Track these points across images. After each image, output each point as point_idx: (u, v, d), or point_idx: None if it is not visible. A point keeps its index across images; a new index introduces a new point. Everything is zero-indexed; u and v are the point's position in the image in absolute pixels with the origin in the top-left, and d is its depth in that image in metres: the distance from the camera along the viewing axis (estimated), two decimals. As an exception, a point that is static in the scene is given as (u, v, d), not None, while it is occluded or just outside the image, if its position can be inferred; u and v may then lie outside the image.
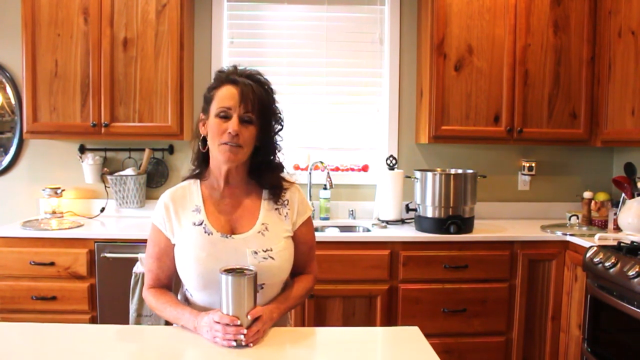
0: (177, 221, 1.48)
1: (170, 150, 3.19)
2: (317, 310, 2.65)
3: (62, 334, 1.41)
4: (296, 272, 1.59)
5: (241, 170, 1.50)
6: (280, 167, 1.55)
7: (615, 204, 2.90)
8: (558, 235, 2.75)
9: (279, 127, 1.52)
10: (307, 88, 3.27)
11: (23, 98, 2.82)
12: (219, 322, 1.29)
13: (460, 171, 2.90)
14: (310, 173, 3.16)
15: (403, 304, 2.66)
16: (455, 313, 2.68)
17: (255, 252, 1.43)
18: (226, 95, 1.41)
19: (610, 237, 2.57)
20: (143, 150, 3.11)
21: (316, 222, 3.06)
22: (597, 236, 2.58)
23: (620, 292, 2.11)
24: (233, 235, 1.46)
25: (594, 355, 2.32)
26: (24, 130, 2.84)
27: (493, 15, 2.90)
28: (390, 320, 2.67)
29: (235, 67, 1.48)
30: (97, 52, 2.79)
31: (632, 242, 2.34)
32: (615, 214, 2.82)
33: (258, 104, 1.41)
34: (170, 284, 1.54)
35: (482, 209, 3.15)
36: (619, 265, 2.14)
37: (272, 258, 1.44)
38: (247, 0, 3.22)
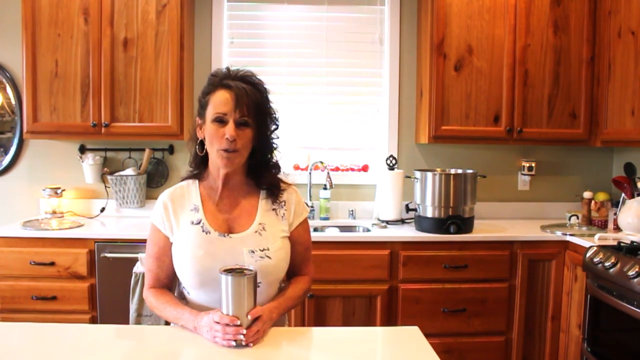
0: (176, 220, 1.49)
1: (171, 150, 3.19)
2: (317, 310, 2.65)
3: (62, 334, 1.41)
4: (292, 272, 1.60)
5: (239, 172, 1.52)
6: (277, 167, 1.57)
7: (615, 204, 2.90)
8: (558, 235, 2.75)
9: (274, 126, 1.53)
10: (307, 88, 3.27)
11: (23, 98, 2.82)
12: (218, 322, 1.29)
13: (460, 171, 2.90)
14: (310, 173, 3.16)
15: (403, 304, 2.66)
16: (455, 313, 2.68)
17: (252, 251, 1.44)
18: (221, 101, 1.42)
19: (610, 237, 2.57)
20: (143, 150, 3.11)
21: (316, 222, 3.06)
22: (597, 236, 2.58)
23: (620, 292, 2.11)
24: (230, 235, 1.47)
25: (594, 355, 2.32)
26: (24, 130, 2.84)
27: (493, 15, 2.90)
28: (390, 320, 2.67)
29: (228, 69, 1.48)
30: (97, 52, 2.79)
31: (632, 242, 2.34)
32: (615, 214, 2.82)
33: (253, 107, 1.42)
34: (170, 283, 1.55)
35: (482, 209, 3.15)
36: (618, 265, 2.14)
37: (269, 257, 1.45)
38: (247, 0, 3.22)
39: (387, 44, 3.25)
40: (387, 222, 3.01)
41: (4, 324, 1.54)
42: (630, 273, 2.03)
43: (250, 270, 1.32)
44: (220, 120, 1.42)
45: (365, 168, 3.31)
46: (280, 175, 1.58)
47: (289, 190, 1.58)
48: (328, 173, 3.08)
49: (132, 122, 2.84)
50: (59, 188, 2.98)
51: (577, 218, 2.96)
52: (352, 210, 3.20)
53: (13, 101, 3.12)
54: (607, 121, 2.84)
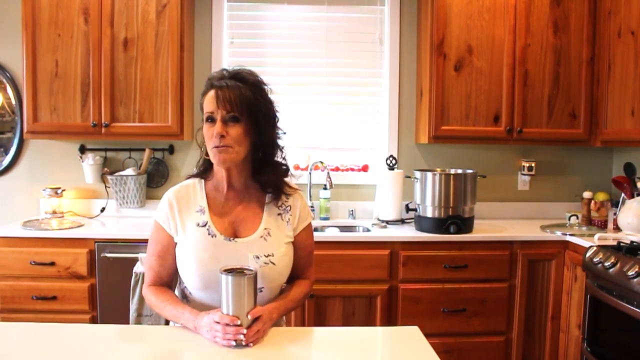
0: (181, 220, 1.48)
1: (171, 150, 3.19)
2: (317, 310, 2.65)
3: (62, 334, 1.41)
4: (294, 276, 1.59)
5: (243, 172, 1.50)
6: (284, 169, 1.55)
7: (615, 204, 2.91)
8: (558, 235, 2.75)
9: (273, 120, 1.50)
10: (307, 88, 3.28)
11: (23, 98, 2.82)
12: (219, 322, 1.29)
13: (460, 171, 2.90)
14: (310, 173, 3.16)
15: (403, 304, 2.67)
16: (455, 313, 2.68)
17: (257, 257, 1.44)
18: (209, 100, 1.43)
19: (609, 237, 2.57)
20: (143, 150, 3.11)
21: (316, 222, 3.06)
22: (596, 236, 2.59)
23: (620, 292, 2.11)
24: (236, 239, 1.46)
25: (594, 355, 2.32)
26: (25, 130, 2.84)
27: (493, 15, 2.90)
28: (390, 320, 2.67)
29: (222, 70, 1.48)
30: (97, 52, 2.79)
31: (632, 242, 2.34)
32: (615, 213, 2.82)
33: (241, 102, 1.40)
34: (170, 282, 1.54)
35: (482, 209, 3.15)
36: (618, 265, 2.14)
37: (273, 263, 1.45)
38: (247, 0, 3.22)
39: (387, 44, 3.25)
40: (387, 222, 3.01)
41: (4, 324, 1.55)
42: (630, 273, 2.04)
43: (251, 270, 1.32)
44: (211, 120, 1.43)
45: (365, 168, 3.31)
46: (287, 179, 1.56)
47: (294, 195, 1.57)
48: (328, 173, 3.08)
49: (132, 122, 2.84)
50: (59, 188, 2.98)
51: (577, 218, 2.97)
52: (352, 210, 3.21)
53: (13, 101, 3.12)
54: (607, 121, 2.84)
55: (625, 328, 2.11)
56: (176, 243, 1.49)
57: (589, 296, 2.37)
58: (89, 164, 3.06)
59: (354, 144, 3.32)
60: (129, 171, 3.07)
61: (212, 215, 1.48)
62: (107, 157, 3.16)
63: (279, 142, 1.54)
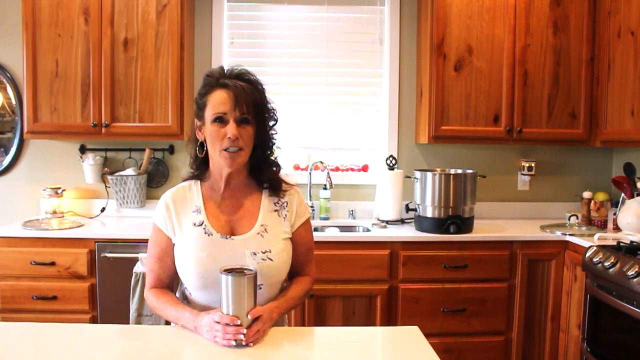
0: (178, 221, 1.49)
1: (171, 150, 3.20)
2: (317, 310, 2.65)
3: (62, 334, 1.41)
4: (294, 273, 1.60)
5: (241, 171, 1.52)
6: (277, 165, 1.56)
7: (615, 203, 2.91)
8: (557, 235, 2.75)
9: (273, 121, 1.53)
10: (307, 88, 3.28)
11: (24, 98, 2.82)
12: (219, 322, 1.29)
13: (460, 171, 2.90)
14: (310, 173, 3.17)
15: (403, 304, 2.67)
16: (455, 313, 2.68)
17: (254, 253, 1.44)
18: (219, 101, 1.41)
19: (609, 237, 2.57)
20: (143, 150, 3.12)
21: (316, 222, 3.06)
22: (596, 236, 2.59)
23: (620, 292, 2.12)
24: (233, 237, 1.47)
25: (594, 355, 2.32)
26: (25, 130, 2.84)
27: (493, 15, 2.90)
28: (390, 320, 2.67)
29: (222, 68, 1.48)
30: (97, 53, 2.79)
31: (632, 242, 2.34)
32: (615, 213, 2.82)
33: (252, 104, 1.41)
34: (171, 283, 1.55)
35: (482, 209, 3.15)
36: (618, 265, 2.14)
37: (271, 259, 1.45)
38: (247, 0, 3.22)
39: (387, 44, 3.25)
40: (387, 222, 3.01)
41: (4, 324, 1.55)
42: (630, 273, 2.04)
43: (251, 270, 1.32)
44: (221, 120, 1.41)
45: (365, 168, 3.31)
46: (282, 176, 1.58)
47: (291, 191, 1.58)
48: (328, 173, 3.09)
49: (133, 122, 2.84)
50: (59, 188, 2.98)
51: (577, 218, 2.97)
52: (352, 210, 3.21)
53: (13, 101, 3.12)
54: (607, 121, 2.84)
55: (625, 328, 2.11)
56: (174, 244, 1.49)
57: (588, 296, 2.37)
58: (89, 164, 3.06)
59: (354, 144, 3.32)
60: (129, 171, 3.07)
61: (208, 214, 1.49)
62: (107, 157, 3.17)
63: (275, 140, 1.55)
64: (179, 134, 2.87)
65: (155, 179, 3.20)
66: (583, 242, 2.55)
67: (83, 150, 3.14)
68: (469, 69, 2.92)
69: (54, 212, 2.94)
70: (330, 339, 1.44)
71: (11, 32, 3.01)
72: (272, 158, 1.56)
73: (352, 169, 3.30)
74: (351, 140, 3.32)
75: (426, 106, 2.98)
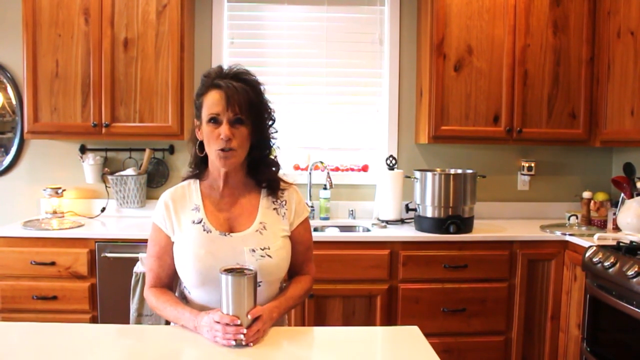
0: (177, 220, 1.49)
1: (171, 150, 3.20)
2: (317, 310, 2.66)
3: (62, 334, 1.41)
4: (294, 272, 1.60)
5: (239, 171, 1.52)
6: (276, 165, 1.57)
7: (615, 203, 2.91)
8: (557, 235, 2.75)
9: (271, 121, 1.53)
10: (307, 88, 3.28)
11: (24, 98, 2.83)
12: (219, 322, 1.29)
13: (459, 171, 2.91)
14: (310, 173, 3.17)
15: (403, 304, 2.67)
16: (455, 313, 2.69)
17: (253, 250, 1.45)
18: (213, 101, 1.42)
19: (609, 237, 2.57)
20: (143, 150, 3.12)
21: (316, 222, 3.07)
22: (596, 236, 2.59)
23: (620, 292, 2.12)
24: (231, 234, 1.47)
25: (593, 354, 2.32)
26: (25, 130, 2.84)
27: (492, 15, 2.90)
28: (390, 319, 2.67)
29: (220, 67, 1.48)
30: (97, 53, 2.80)
31: (631, 241, 2.35)
32: (615, 213, 2.82)
33: (246, 104, 1.41)
34: (171, 283, 1.55)
35: (482, 209, 3.16)
36: (618, 265, 2.14)
37: (270, 256, 1.46)
38: (247, 0, 3.22)
39: (387, 44, 3.25)
40: (387, 222, 3.01)
41: (4, 324, 1.55)
42: (630, 273, 2.04)
43: (250, 270, 1.33)
44: (215, 121, 1.42)
45: (365, 168, 3.31)
46: (280, 175, 1.58)
47: (289, 189, 1.58)
48: (328, 173, 3.09)
49: (133, 122, 2.85)
50: (59, 188, 2.99)
51: (577, 218, 2.97)
52: (352, 210, 3.21)
53: (14, 101, 3.13)
54: (607, 121, 2.84)
55: (624, 328, 2.11)
56: (173, 243, 1.50)
57: (588, 296, 2.37)
58: (90, 164, 3.07)
59: (354, 144, 3.33)
60: (129, 171, 3.07)
61: (207, 212, 1.50)
62: (108, 157, 3.17)
63: (273, 141, 1.55)
64: (179, 134, 2.88)
65: (156, 179, 3.21)
66: (583, 242, 2.55)
67: (83, 150, 3.14)
68: (468, 69, 2.92)
69: (54, 212, 2.95)
70: (330, 339, 1.44)
71: (11, 32, 3.02)
72: (272, 157, 1.56)
73: (352, 169, 3.30)
74: (351, 140, 3.32)
75: (426, 106, 2.98)
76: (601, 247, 2.33)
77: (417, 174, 2.87)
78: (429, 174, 2.82)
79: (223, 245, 1.45)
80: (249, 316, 1.30)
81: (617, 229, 2.76)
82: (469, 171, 2.86)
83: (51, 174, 3.16)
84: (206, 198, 1.52)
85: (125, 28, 2.81)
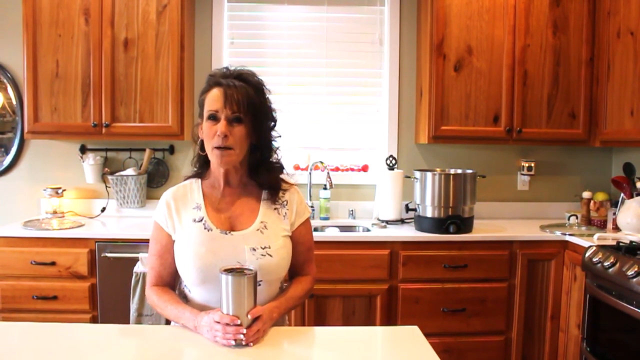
0: (178, 218, 1.50)
1: (171, 150, 3.20)
2: (317, 310, 2.66)
3: (62, 334, 1.42)
4: (295, 272, 1.61)
5: (240, 171, 1.53)
6: (278, 168, 1.57)
7: (614, 203, 2.91)
8: (557, 235, 2.75)
9: (272, 123, 1.53)
10: (307, 88, 3.28)
11: (24, 98, 2.83)
12: (219, 322, 1.30)
13: (459, 171, 2.91)
14: (310, 173, 3.17)
15: (403, 304, 2.67)
16: (455, 312, 2.69)
17: (254, 249, 1.45)
18: (213, 98, 1.43)
19: (609, 237, 2.57)
20: (144, 150, 3.12)
21: (316, 222, 3.07)
22: (596, 236, 2.59)
23: (619, 292, 2.12)
24: (232, 232, 1.48)
25: (593, 354, 2.32)
26: (25, 130, 2.84)
27: (492, 15, 2.90)
28: (390, 319, 2.67)
29: (226, 68, 1.50)
30: (97, 53, 2.80)
31: (631, 241, 2.35)
32: (614, 213, 2.82)
33: (245, 103, 1.42)
34: (172, 282, 1.55)
35: (482, 209, 3.16)
36: (618, 265, 2.14)
37: (270, 255, 1.46)
38: (247, 0, 3.22)
39: (387, 45, 3.25)
40: (387, 222, 3.01)
41: (4, 324, 1.55)
42: (630, 273, 2.04)
43: (251, 270, 1.33)
44: (214, 118, 1.43)
45: (365, 168, 3.31)
46: (283, 176, 1.58)
47: (290, 190, 1.59)
48: (328, 173, 3.09)
49: (133, 122, 2.85)
50: (59, 188, 2.99)
51: (577, 218, 2.97)
52: (352, 210, 3.21)
53: (14, 101, 3.13)
54: (606, 121, 2.84)
55: (624, 328, 2.11)
56: (174, 241, 1.50)
57: (588, 296, 2.37)
58: (90, 164, 3.07)
59: (354, 144, 3.33)
60: (130, 171, 3.07)
61: (208, 210, 1.50)
62: (108, 157, 3.17)
63: (275, 143, 1.56)
64: (179, 134, 2.88)
65: (156, 179, 3.21)
66: (583, 242, 2.55)
67: (83, 150, 3.14)
68: (468, 69, 2.92)
69: (55, 212, 2.95)
70: (330, 338, 1.44)
71: (11, 32, 3.02)
72: (273, 161, 1.56)
73: (352, 169, 3.31)
74: (351, 140, 3.32)
75: (426, 106, 2.98)
76: (601, 247, 2.33)
77: (417, 174, 2.88)
78: (429, 174, 2.82)
79: (224, 243, 1.45)
80: (249, 316, 1.31)
81: (617, 229, 2.77)
82: (469, 171, 2.86)
83: (51, 174, 3.17)
84: (207, 197, 1.53)
85: (126, 28, 2.81)
